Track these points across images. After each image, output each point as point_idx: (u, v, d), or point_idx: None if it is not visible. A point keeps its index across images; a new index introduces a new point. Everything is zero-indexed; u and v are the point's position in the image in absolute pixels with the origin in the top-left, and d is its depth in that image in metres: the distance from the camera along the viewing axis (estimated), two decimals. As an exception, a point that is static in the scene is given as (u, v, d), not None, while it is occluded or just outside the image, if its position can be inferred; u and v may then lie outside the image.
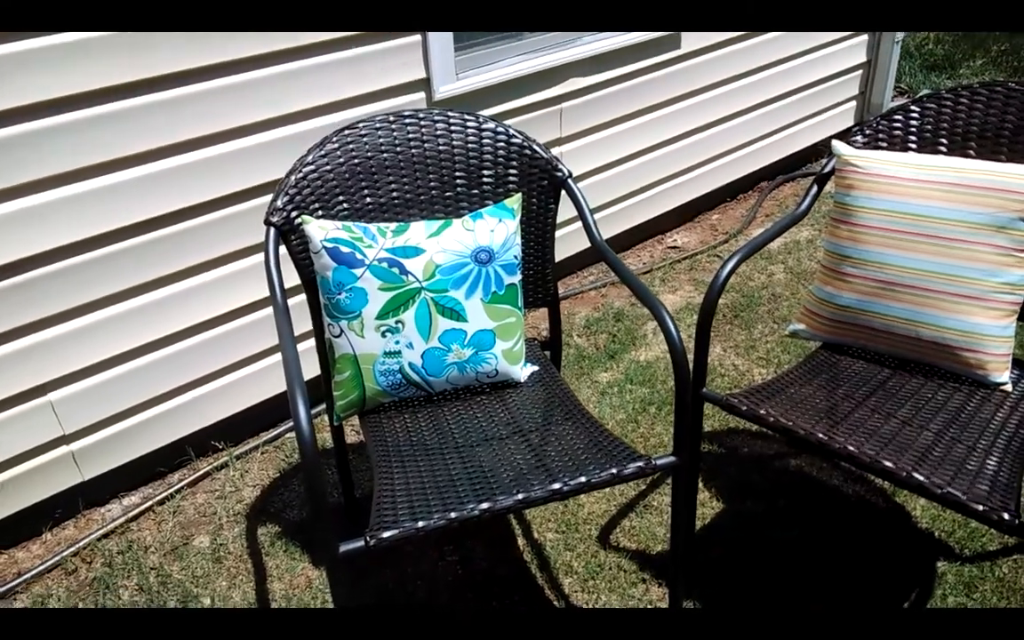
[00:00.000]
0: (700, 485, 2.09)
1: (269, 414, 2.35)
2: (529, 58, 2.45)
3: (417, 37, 2.15)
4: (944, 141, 1.63)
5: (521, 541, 1.99)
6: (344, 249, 1.52)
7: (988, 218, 1.47)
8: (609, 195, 2.97)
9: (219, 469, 2.26)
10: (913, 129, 1.66)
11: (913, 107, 1.66)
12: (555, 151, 2.68)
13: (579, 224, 2.90)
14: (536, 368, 1.77)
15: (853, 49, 3.63)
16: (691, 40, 2.91)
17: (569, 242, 2.90)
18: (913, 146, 1.66)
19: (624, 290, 2.99)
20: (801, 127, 3.60)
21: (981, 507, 1.27)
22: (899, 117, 1.67)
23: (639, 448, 2.23)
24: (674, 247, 3.27)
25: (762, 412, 1.52)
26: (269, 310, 2.21)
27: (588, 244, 2.97)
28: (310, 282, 1.63)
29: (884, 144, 1.69)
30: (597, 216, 2.97)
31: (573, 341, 2.73)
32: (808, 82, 3.48)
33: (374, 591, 1.87)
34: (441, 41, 2.19)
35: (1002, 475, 1.35)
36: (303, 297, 1.68)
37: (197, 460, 2.29)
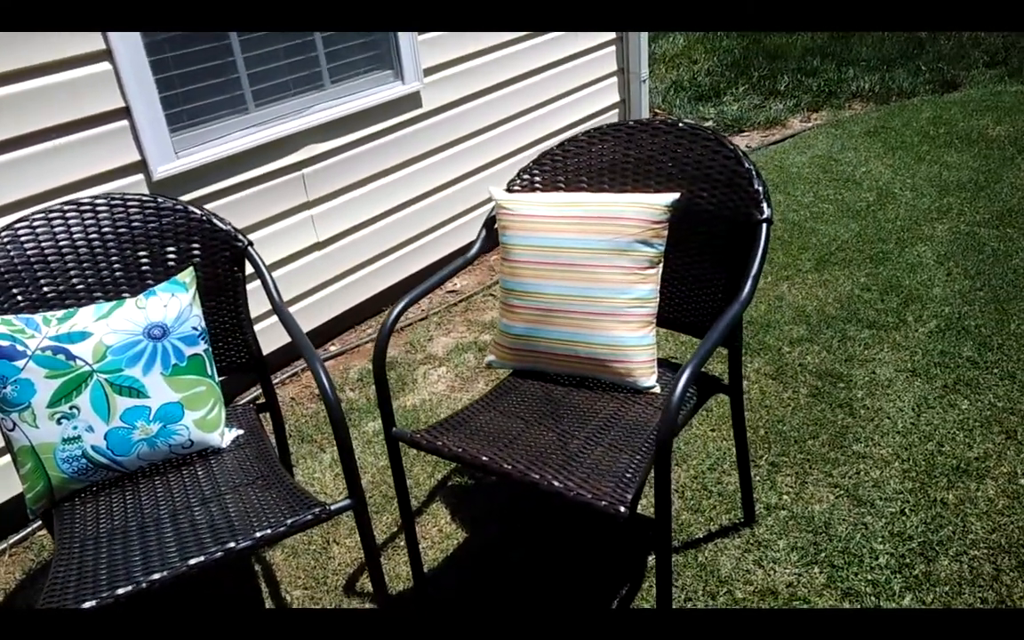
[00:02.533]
0: (447, 517, 2.19)
1: (12, 515, 2.28)
2: (259, 130, 2.53)
3: (124, 122, 2.19)
4: (584, 178, 1.82)
5: (268, 603, 2.01)
6: (3, 343, 1.53)
7: (610, 243, 1.66)
8: (376, 249, 3.07)
9: (-30, 575, 2.17)
10: (559, 170, 1.84)
11: (557, 151, 1.84)
12: (306, 214, 2.77)
13: (347, 280, 3.01)
14: (241, 432, 1.82)
15: (605, 90, 3.93)
16: (432, 99, 3.07)
17: (342, 297, 2.97)
18: (561, 185, 1.85)
19: (400, 338, 3.09)
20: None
21: (603, 503, 1.42)
22: (547, 161, 1.85)
23: (392, 492, 2.31)
24: (452, 291, 3.41)
25: (439, 444, 1.63)
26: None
27: (362, 298, 3.07)
28: (-17, 379, 1.62)
29: (539, 185, 1.86)
30: (366, 270, 3.07)
31: (345, 395, 2.80)
32: (564, 125, 3.73)
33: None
34: (152, 121, 2.24)
35: (628, 471, 1.51)
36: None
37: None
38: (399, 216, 3.12)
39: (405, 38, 2.85)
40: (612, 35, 3.79)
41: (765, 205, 1.56)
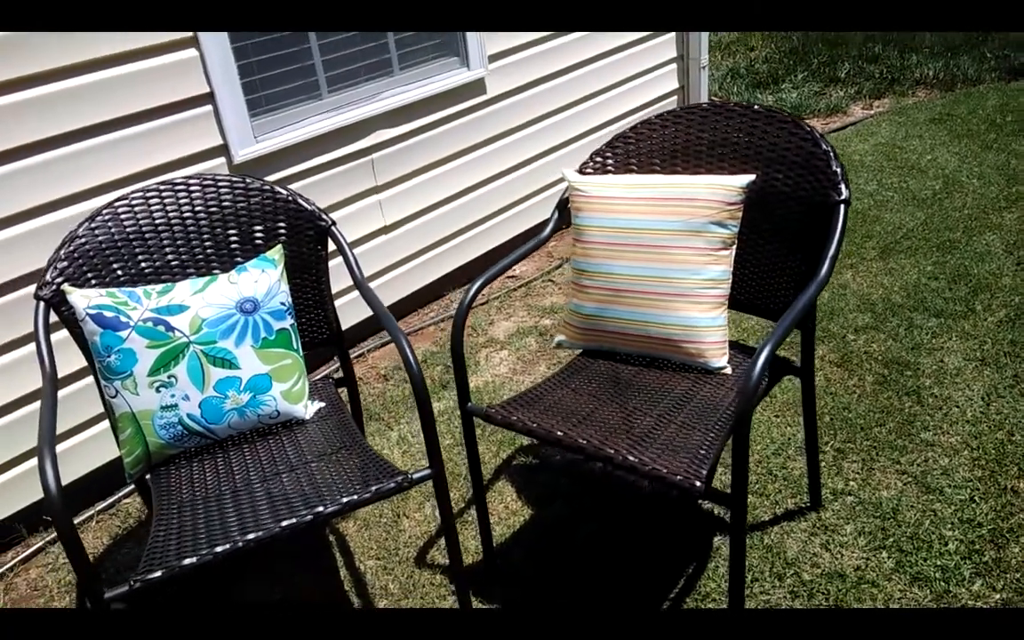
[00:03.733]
0: (513, 495, 2.24)
1: (102, 483, 2.40)
2: (331, 116, 2.61)
3: (208, 107, 2.28)
4: (657, 160, 1.85)
5: (343, 572, 2.09)
6: (108, 314, 1.62)
7: (684, 224, 1.68)
8: (439, 234, 3.14)
9: (53, 542, 2.30)
10: (632, 152, 1.87)
11: (630, 134, 1.87)
12: (374, 199, 2.84)
13: (411, 264, 3.08)
14: (323, 404, 1.90)
15: (664, 77, 3.93)
16: (496, 85, 3.12)
17: (406, 281, 3.05)
18: (634, 166, 1.88)
19: (462, 322, 3.15)
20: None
21: (679, 477, 1.45)
22: (620, 143, 1.88)
23: (461, 468, 2.37)
24: (512, 276, 3.46)
25: (513, 419, 1.68)
26: (87, 381, 2.28)
27: (426, 282, 3.14)
28: (87, 349, 1.72)
29: (611, 167, 1.90)
30: (428, 255, 3.14)
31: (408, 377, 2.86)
32: (623, 112, 3.74)
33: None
34: (234, 107, 2.33)
35: (703, 448, 1.54)
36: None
37: (30, 536, 2.32)
38: (462, 201, 3.18)
39: (471, 26, 2.90)
40: (672, 22, 3.79)
41: (843, 186, 1.57)
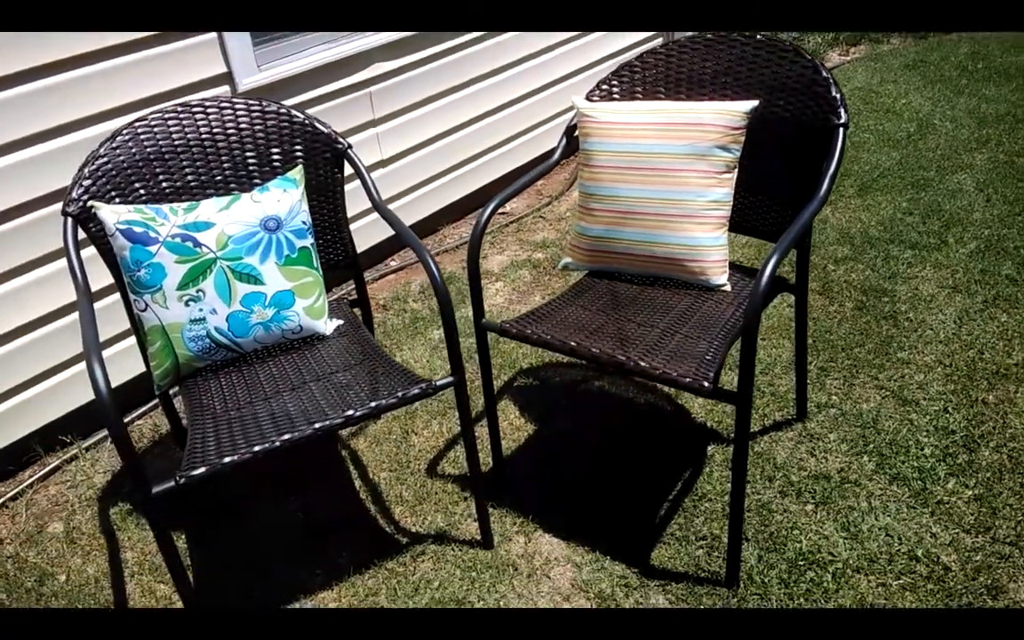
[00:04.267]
0: (516, 413, 2.35)
1: (117, 404, 2.45)
2: (331, 47, 2.64)
3: (213, 35, 2.30)
4: (662, 88, 1.93)
5: (358, 483, 2.19)
6: (137, 230, 1.68)
7: (690, 149, 1.78)
8: (435, 168, 3.19)
9: (69, 461, 2.36)
10: (638, 80, 1.95)
11: (636, 63, 1.95)
12: (371, 132, 2.89)
13: (408, 198, 3.14)
14: (341, 322, 1.98)
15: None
16: (492, 20, 3.16)
17: (403, 214, 3.11)
18: (639, 94, 1.96)
19: (457, 255, 3.24)
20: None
21: (688, 379, 1.57)
22: (626, 72, 1.96)
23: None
24: (503, 212, 3.54)
25: (528, 332, 1.78)
26: (103, 301, 2.32)
27: (421, 216, 3.21)
28: (114, 265, 1.78)
29: (617, 95, 1.98)
30: (426, 189, 3.20)
31: (409, 306, 2.95)
32: (615, 50, 3.80)
33: (223, 545, 2.04)
34: (239, 34, 2.35)
35: (708, 355, 1.66)
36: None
37: (46, 455, 2.38)
38: (457, 136, 3.23)
39: (467, -40, 2.93)
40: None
41: (842, 110, 1.67)
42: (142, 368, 2.34)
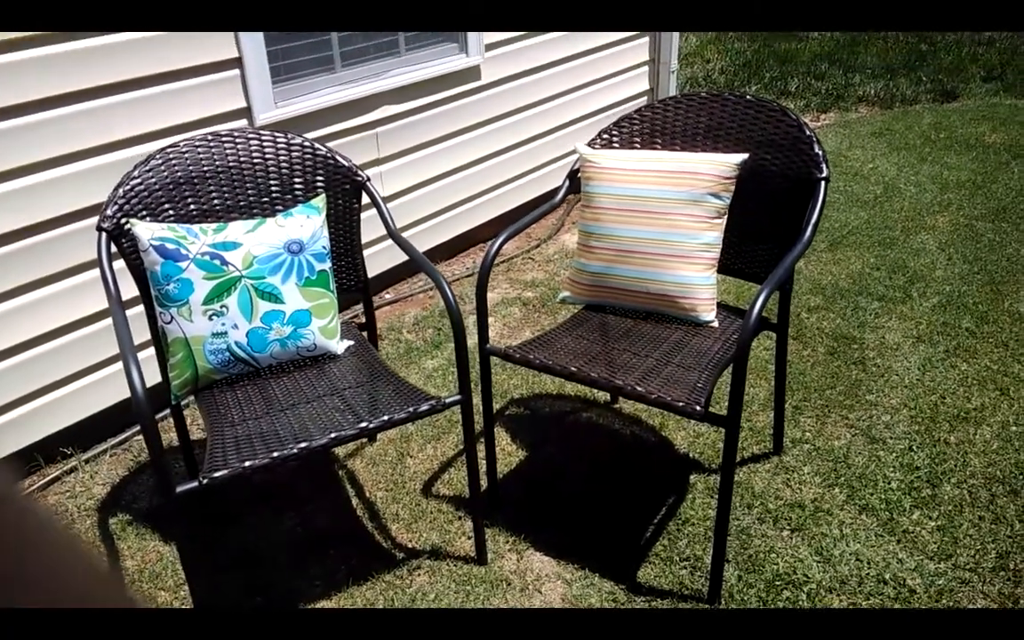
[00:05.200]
0: (508, 439, 2.47)
1: (115, 419, 2.52)
2: (343, 89, 2.79)
3: (236, 71, 2.44)
4: (659, 139, 2.10)
5: (355, 501, 2.28)
6: (169, 246, 1.78)
7: (685, 195, 1.94)
8: (429, 208, 3.34)
9: (69, 472, 2.42)
10: (636, 131, 2.12)
11: (635, 115, 2.12)
12: (375, 170, 3.03)
13: (407, 234, 3.26)
14: (352, 342, 2.09)
15: (636, 78, 4.22)
16: (490, 73, 3.34)
17: (397, 251, 3.24)
18: (638, 144, 2.13)
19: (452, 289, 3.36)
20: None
21: (681, 404, 1.70)
22: (625, 123, 2.13)
23: (456, 417, 2.58)
24: (494, 253, 3.69)
25: (531, 357, 1.91)
26: (110, 320, 2.40)
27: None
28: (142, 279, 1.87)
29: (617, 144, 2.15)
30: (419, 228, 3.34)
31: (403, 337, 3.06)
32: (599, 107, 4.01)
33: (222, 556, 2.11)
34: (259, 73, 2.50)
35: (699, 383, 1.80)
36: (141, 309, 1.93)
37: (47, 466, 2.43)
38: (453, 179, 3.39)
39: (471, 14, 3.12)
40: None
41: (824, 166, 1.85)
42: (150, 382, 2.41)
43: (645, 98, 4.36)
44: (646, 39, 4.13)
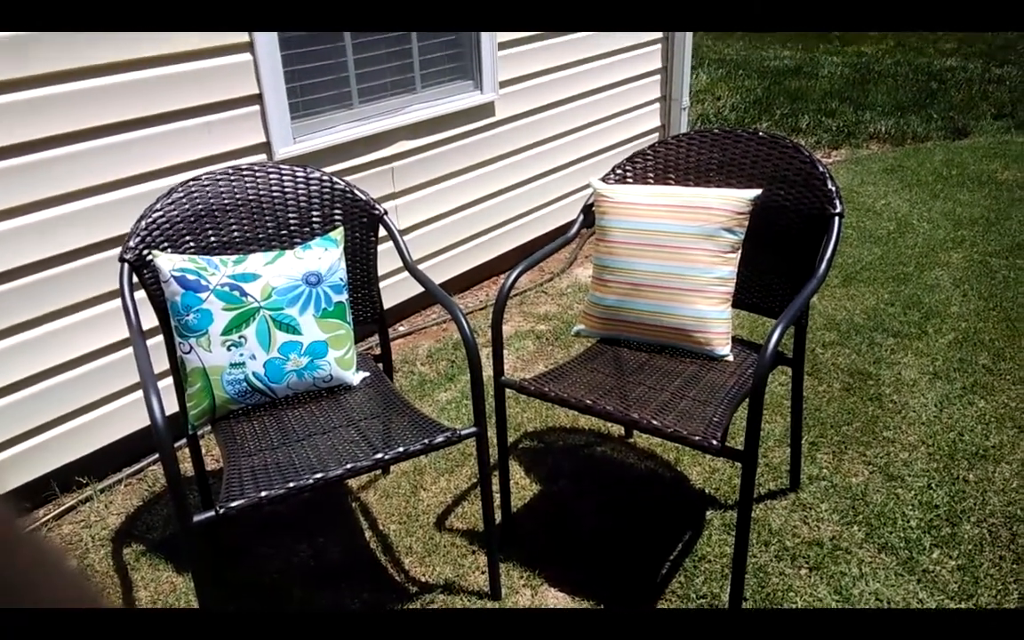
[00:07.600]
0: (522, 472, 2.46)
1: (130, 449, 2.53)
2: (360, 124, 2.84)
3: (256, 107, 2.48)
4: (672, 174, 2.12)
5: (368, 533, 2.27)
6: (190, 277, 1.81)
7: (699, 229, 1.95)
8: (443, 242, 3.37)
9: (84, 502, 2.42)
10: (650, 167, 2.14)
11: (648, 151, 2.15)
12: (390, 204, 3.06)
13: (422, 267, 3.29)
14: (367, 374, 2.10)
15: (648, 115, 4.26)
16: (504, 109, 3.39)
17: (411, 285, 3.26)
18: (651, 179, 2.15)
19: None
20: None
21: (698, 437, 1.70)
22: (639, 159, 2.16)
23: (470, 450, 2.58)
24: (507, 286, 3.70)
25: (546, 390, 1.91)
26: (126, 351, 2.43)
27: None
28: (161, 310, 1.90)
29: (631, 179, 2.17)
30: (432, 261, 3.36)
31: (417, 369, 3.07)
32: (611, 143, 4.05)
33: (235, 587, 2.10)
34: (278, 109, 2.54)
35: (715, 417, 1.79)
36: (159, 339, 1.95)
37: (62, 495, 2.44)
38: (466, 213, 3.42)
39: (487, 52, 3.17)
40: (659, 65, 4.14)
41: (838, 202, 1.86)
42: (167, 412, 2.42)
43: (657, 134, 4.40)
44: (658, 77, 4.18)
